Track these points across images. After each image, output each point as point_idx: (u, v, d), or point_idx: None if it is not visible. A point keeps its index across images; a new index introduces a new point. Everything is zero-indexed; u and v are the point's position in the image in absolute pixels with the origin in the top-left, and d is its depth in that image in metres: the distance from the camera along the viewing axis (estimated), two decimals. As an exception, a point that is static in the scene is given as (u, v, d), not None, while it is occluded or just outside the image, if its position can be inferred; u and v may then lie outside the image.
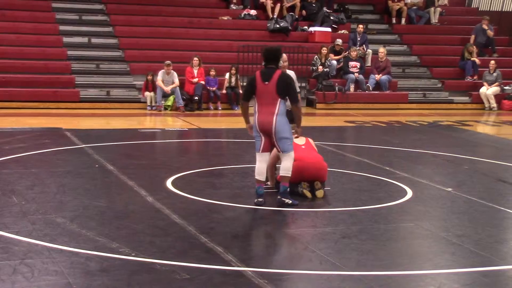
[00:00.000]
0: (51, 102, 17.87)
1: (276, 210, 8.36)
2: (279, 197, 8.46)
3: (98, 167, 10.50)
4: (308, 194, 8.87)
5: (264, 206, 8.40)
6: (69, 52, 19.50)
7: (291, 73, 9.00)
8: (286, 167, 8.43)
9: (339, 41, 21.24)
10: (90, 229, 7.20)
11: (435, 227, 7.88)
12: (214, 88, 18.74)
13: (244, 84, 19.49)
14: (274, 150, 9.03)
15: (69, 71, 18.96)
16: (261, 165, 8.50)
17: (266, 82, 8.32)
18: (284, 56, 9.38)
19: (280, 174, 8.51)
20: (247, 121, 8.67)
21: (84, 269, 6.11)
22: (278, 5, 22.53)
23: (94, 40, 20.26)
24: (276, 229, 7.98)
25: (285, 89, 8.32)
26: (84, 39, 20.18)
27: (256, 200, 8.43)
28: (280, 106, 8.32)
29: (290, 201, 8.44)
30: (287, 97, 8.38)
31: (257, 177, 8.48)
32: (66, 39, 19.95)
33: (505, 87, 21.50)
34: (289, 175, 8.45)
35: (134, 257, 6.42)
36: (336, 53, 21.12)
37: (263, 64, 8.60)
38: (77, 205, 8.24)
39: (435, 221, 8.24)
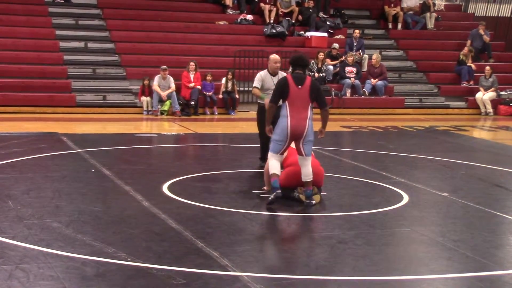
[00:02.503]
0: (47, 106, 17.85)
1: (273, 215, 8.37)
2: (307, 201, 8.66)
3: (94, 171, 10.49)
4: (305, 199, 8.88)
5: (260, 211, 8.41)
6: (66, 57, 19.48)
7: None
8: (307, 173, 8.65)
9: (336, 45, 21.28)
10: (86, 234, 7.20)
11: (431, 232, 7.89)
12: (210, 93, 18.73)
13: (241, 89, 19.58)
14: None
15: (66, 76, 18.93)
16: (276, 162, 8.67)
17: (299, 86, 8.60)
18: (278, 57, 9.78)
19: (304, 180, 8.65)
20: (269, 124, 8.86)
21: (80, 274, 6.10)
22: (274, 9, 22.55)
23: (91, 45, 20.24)
24: (272, 234, 8.00)
25: (316, 93, 8.67)
26: (81, 44, 20.16)
27: (274, 194, 8.49)
28: (311, 111, 8.69)
29: (315, 201, 8.73)
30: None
31: (273, 171, 8.60)
32: (62, 44, 19.93)
33: (501, 92, 21.55)
34: (311, 179, 8.67)
35: (130, 262, 6.41)
36: (333, 58, 21.14)
37: (290, 70, 9.04)
38: (73, 210, 8.22)
39: (431, 226, 8.24)
